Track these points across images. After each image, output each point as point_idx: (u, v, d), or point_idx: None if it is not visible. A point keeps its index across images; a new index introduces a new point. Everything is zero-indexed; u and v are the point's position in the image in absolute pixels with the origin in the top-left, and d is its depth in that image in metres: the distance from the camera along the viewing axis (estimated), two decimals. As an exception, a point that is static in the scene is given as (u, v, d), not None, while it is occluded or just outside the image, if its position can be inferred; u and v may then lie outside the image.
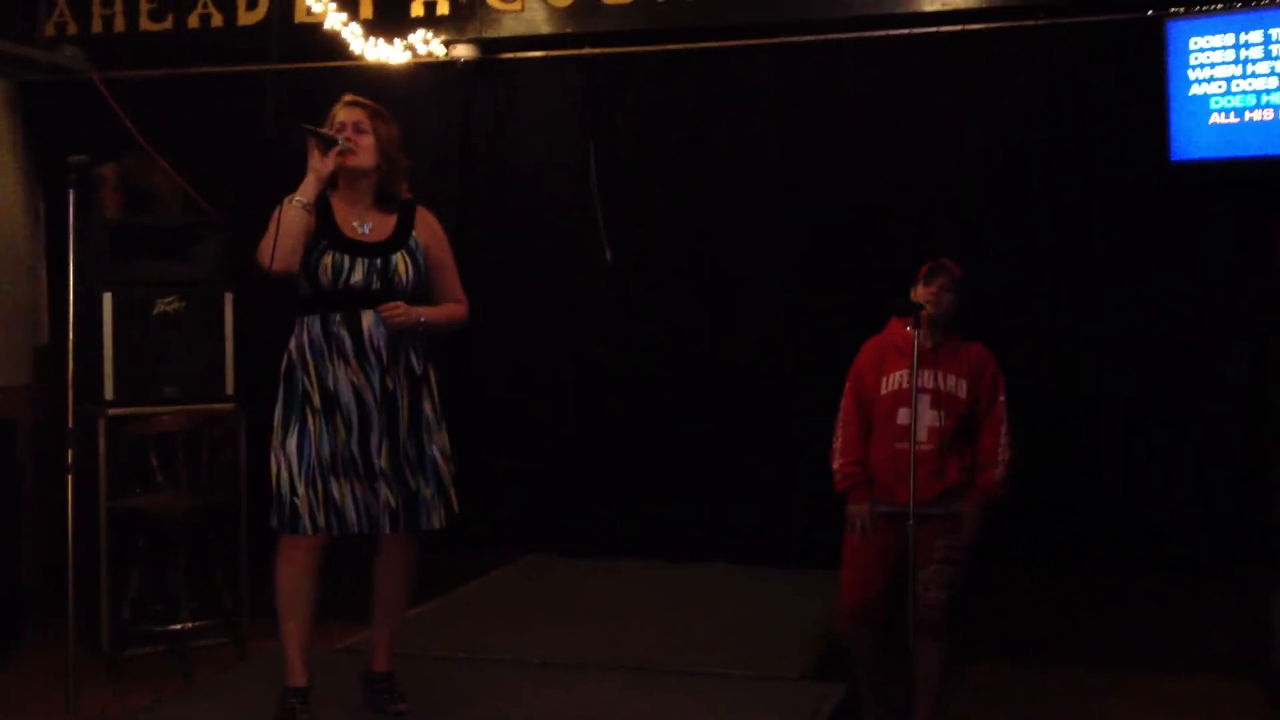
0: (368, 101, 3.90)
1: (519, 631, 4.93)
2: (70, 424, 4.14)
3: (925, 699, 4.49)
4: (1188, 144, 5.29)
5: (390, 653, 3.98)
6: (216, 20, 6.41)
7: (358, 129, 3.81)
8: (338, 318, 3.74)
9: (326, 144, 3.73)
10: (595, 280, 6.13)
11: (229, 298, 5.86)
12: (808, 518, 5.05)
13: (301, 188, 3.71)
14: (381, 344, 3.75)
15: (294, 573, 3.78)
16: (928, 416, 4.39)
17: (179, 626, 5.40)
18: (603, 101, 6.14)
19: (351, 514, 3.74)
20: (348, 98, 3.91)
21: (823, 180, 5.88)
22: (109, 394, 5.66)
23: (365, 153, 3.81)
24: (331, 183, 3.80)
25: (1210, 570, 5.38)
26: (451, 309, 3.98)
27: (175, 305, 5.82)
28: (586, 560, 5.98)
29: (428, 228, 3.94)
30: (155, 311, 5.78)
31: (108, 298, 5.67)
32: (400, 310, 3.74)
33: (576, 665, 4.45)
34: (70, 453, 4.14)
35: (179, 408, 5.71)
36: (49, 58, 6.42)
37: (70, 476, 4.13)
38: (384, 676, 3.96)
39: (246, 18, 6.37)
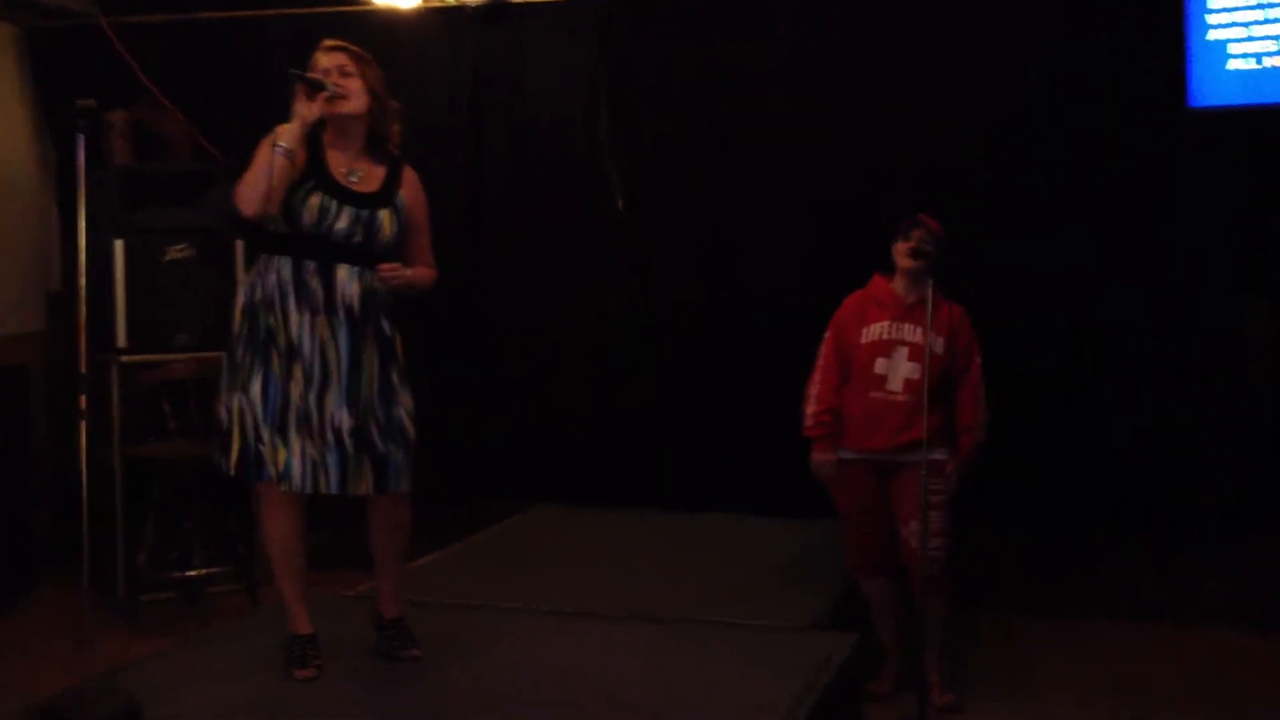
0: (350, 45, 3.77)
1: (530, 580, 4.95)
2: (82, 369, 4.14)
3: (934, 649, 4.53)
4: (1206, 90, 5.21)
5: (399, 599, 3.97)
6: (226, -35, 6.37)
7: (343, 73, 3.69)
8: (312, 266, 3.63)
9: (313, 88, 3.61)
10: (607, 231, 6.09)
11: (239, 245, 5.84)
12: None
13: (285, 132, 3.57)
14: (354, 300, 3.65)
15: (280, 520, 3.74)
16: (905, 368, 4.49)
17: (193, 573, 5.43)
18: (616, 48, 6.07)
19: (297, 469, 3.62)
20: (327, 42, 3.76)
21: (837, 132, 5.82)
22: (121, 341, 5.66)
23: (356, 97, 3.69)
24: (320, 123, 3.68)
25: (1220, 527, 5.38)
26: (424, 273, 3.88)
27: (186, 252, 5.81)
28: (596, 510, 5.98)
29: (412, 189, 3.85)
30: (166, 259, 5.77)
31: (119, 245, 5.65)
32: (399, 271, 3.67)
33: (587, 614, 4.46)
34: (83, 399, 4.13)
35: (191, 355, 5.71)
36: (58, 2, 6.37)
37: (83, 423, 4.13)
38: (394, 622, 3.95)
39: (256, -38, 6.32)
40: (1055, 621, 5.38)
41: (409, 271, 3.74)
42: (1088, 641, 5.20)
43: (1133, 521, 5.49)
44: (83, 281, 4.15)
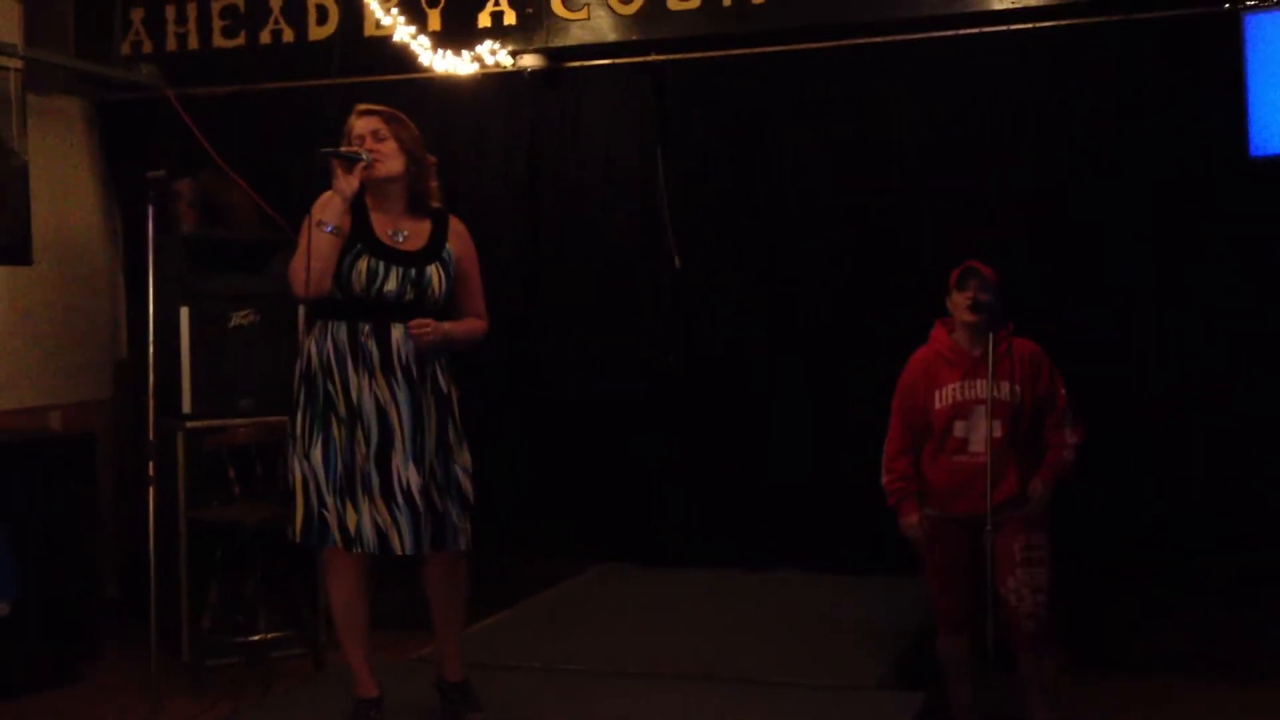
0: (381, 107, 3.85)
1: (592, 640, 4.93)
2: (151, 436, 4.20)
3: (1050, 715, 4.38)
4: (1267, 138, 5.16)
5: (461, 662, 3.98)
6: (288, 36, 6.48)
7: (377, 137, 3.76)
8: (366, 328, 3.68)
9: (349, 162, 3.67)
10: (663, 288, 6.10)
11: (302, 310, 5.91)
12: (879, 524, 5.02)
13: (327, 209, 3.65)
14: (410, 359, 3.70)
15: (344, 586, 3.79)
16: (985, 427, 4.29)
17: (257, 637, 5.45)
18: (669, 108, 6.11)
19: (368, 531, 3.64)
20: (360, 107, 3.84)
21: (892, 185, 5.81)
22: (186, 407, 5.72)
23: (391, 159, 3.75)
24: (360, 187, 3.73)
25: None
26: (472, 324, 3.90)
27: (250, 318, 5.88)
28: (657, 569, 5.95)
29: (460, 240, 3.88)
30: (231, 325, 5.85)
31: (185, 312, 5.73)
32: (430, 328, 3.69)
33: (650, 674, 4.43)
34: (151, 465, 4.19)
35: (255, 420, 5.77)
36: (125, 76, 6.53)
37: (151, 488, 4.19)
38: (458, 686, 3.96)
39: (317, 33, 6.43)
40: (1126, 679, 5.25)
41: (445, 326, 3.76)
42: (1160, 701, 5.07)
43: (1189, 573, 5.37)
44: (151, 350, 4.22)
